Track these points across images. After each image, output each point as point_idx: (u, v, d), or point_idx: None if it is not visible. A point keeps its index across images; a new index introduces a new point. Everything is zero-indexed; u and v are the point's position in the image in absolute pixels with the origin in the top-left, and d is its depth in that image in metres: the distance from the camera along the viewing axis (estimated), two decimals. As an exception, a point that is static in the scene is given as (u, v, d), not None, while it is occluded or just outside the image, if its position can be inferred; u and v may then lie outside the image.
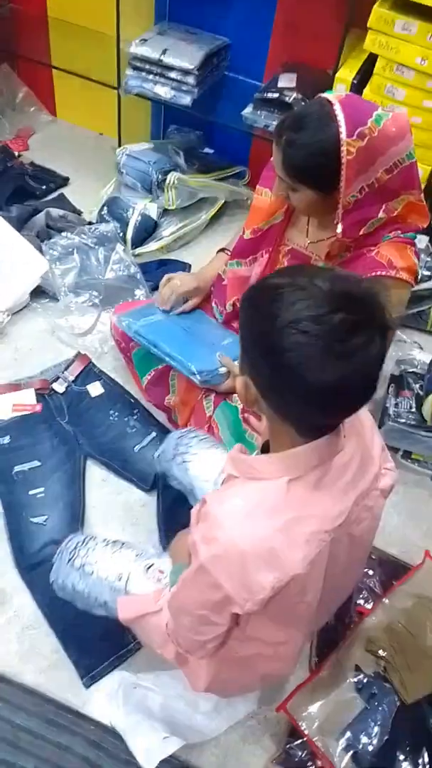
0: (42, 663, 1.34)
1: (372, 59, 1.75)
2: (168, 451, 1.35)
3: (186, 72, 2.02)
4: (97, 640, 1.35)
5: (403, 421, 1.68)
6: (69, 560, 1.17)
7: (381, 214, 1.24)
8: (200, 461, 1.30)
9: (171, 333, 1.56)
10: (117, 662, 1.34)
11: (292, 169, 1.19)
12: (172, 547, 1.27)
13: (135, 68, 2.09)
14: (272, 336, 0.74)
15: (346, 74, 1.80)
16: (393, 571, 1.51)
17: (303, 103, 1.85)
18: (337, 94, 1.16)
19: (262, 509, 0.83)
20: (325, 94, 1.17)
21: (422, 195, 1.29)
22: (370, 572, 1.49)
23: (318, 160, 1.16)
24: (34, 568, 1.44)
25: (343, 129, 1.12)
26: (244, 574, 0.82)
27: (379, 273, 1.27)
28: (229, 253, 1.60)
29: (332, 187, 1.19)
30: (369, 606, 1.44)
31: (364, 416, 0.97)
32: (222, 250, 1.65)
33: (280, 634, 0.94)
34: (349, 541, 0.93)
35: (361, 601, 1.45)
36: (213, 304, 1.70)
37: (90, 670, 1.33)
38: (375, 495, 0.96)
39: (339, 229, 1.23)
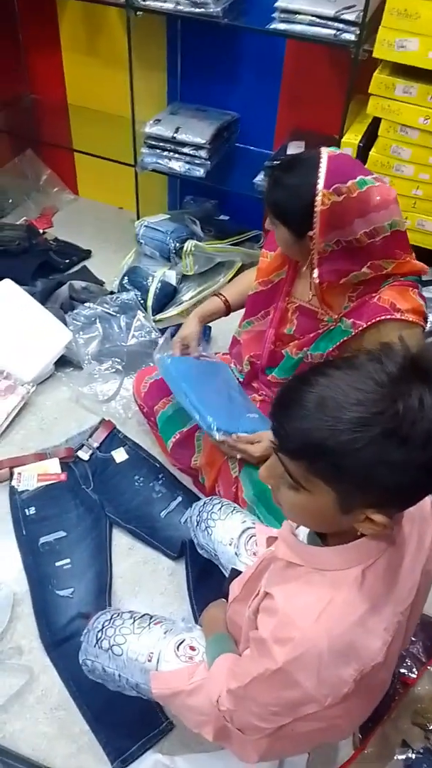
0: (71, 746, 1.28)
1: (376, 122, 1.81)
2: (193, 519, 1.37)
3: (198, 147, 2.11)
4: (128, 721, 1.29)
5: None
6: (97, 642, 1.12)
7: (365, 269, 1.26)
8: (222, 526, 1.30)
9: (200, 385, 1.55)
10: (149, 744, 1.28)
11: (272, 204, 1.27)
12: (203, 619, 1.22)
13: (150, 146, 2.20)
14: (415, 458, 0.67)
15: (351, 138, 1.86)
16: (436, 635, 1.43)
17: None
18: (335, 150, 1.22)
19: (336, 604, 0.78)
20: (325, 148, 1.22)
21: (413, 256, 1.30)
22: (413, 638, 1.41)
23: (293, 202, 1.22)
24: (60, 644, 1.41)
25: (321, 179, 1.17)
26: (323, 672, 0.78)
27: (383, 317, 1.26)
28: (223, 299, 1.66)
29: (303, 231, 1.23)
30: (414, 675, 1.36)
31: None
32: (217, 295, 1.70)
33: (349, 709, 0.88)
34: (415, 606, 0.90)
35: (405, 671, 1.36)
36: (232, 365, 1.71)
37: (121, 753, 1.26)
38: (430, 555, 0.93)
39: (315, 273, 1.26)
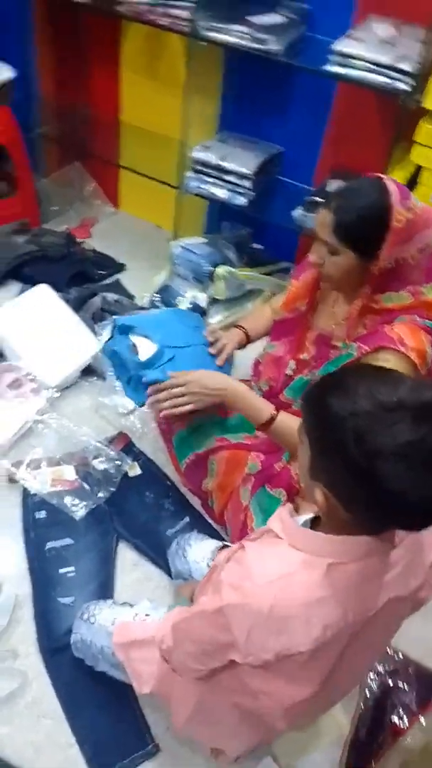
0: (56, 757, 1.28)
1: (419, 169, 1.84)
2: (171, 550, 1.51)
3: (243, 176, 2.15)
4: (115, 738, 1.30)
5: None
6: (81, 615, 1.32)
7: (404, 292, 1.30)
8: (197, 548, 1.44)
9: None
10: (133, 765, 1.28)
11: (342, 230, 1.24)
12: (179, 588, 1.39)
13: (196, 171, 2.24)
14: (366, 463, 0.73)
15: (393, 183, 1.89)
16: None
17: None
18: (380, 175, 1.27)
19: (295, 579, 0.83)
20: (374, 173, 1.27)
21: None
22: (406, 687, 1.40)
23: (368, 223, 1.23)
24: (56, 652, 1.41)
25: (395, 198, 1.21)
26: (255, 631, 0.84)
27: (385, 345, 1.28)
28: (244, 330, 1.67)
29: (372, 253, 1.25)
30: (404, 725, 1.34)
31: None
32: (237, 326, 1.71)
33: (270, 685, 0.91)
34: (365, 637, 0.91)
35: (396, 719, 1.35)
36: (252, 383, 1.73)
37: (104, 771, 1.26)
38: (407, 605, 0.94)
39: (367, 289, 1.29)
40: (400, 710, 1.37)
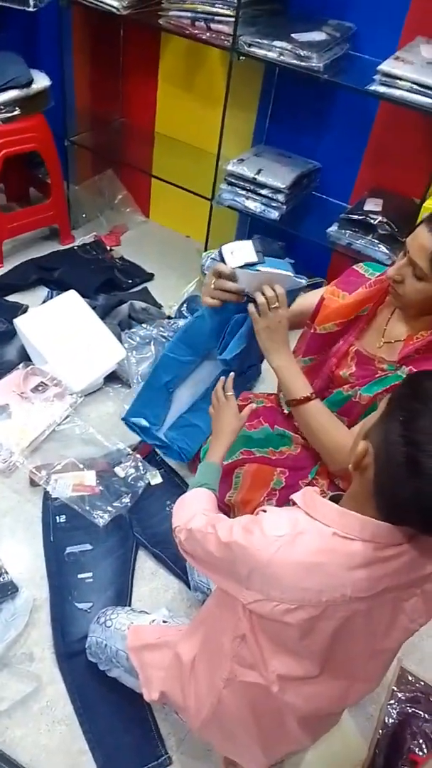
0: (68, 763, 1.27)
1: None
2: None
3: (277, 190, 2.16)
4: (127, 748, 1.28)
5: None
6: (97, 618, 1.35)
7: None
8: None
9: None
10: (145, 777, 1.26)
11: None
12: (217, 421, 1.37)
13: (230, 183, 2.25)
14: (424, 438, 0.76)
15: (432, 204, 1.88)
16: (452, 718, 1.38)
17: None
18: None
19: (298, 541, 0.87)
20: None
21: None
22: (427, 716, 1.37)
23: None
24: (71, 657, 1.41)
25: None
26: (254, 574, 0.89)
27: None
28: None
29: None
30: (423, 754, 1.31)
31: None
32: None
33: (279, 665, 0.93)
34: (366, 626, 0.91)
35: (416, 749, 1.32)
36: (281, 395, 1.71)
37: (116, 781, 1.25)
38: (414, 600, 0.93)
39: None
40: (420, 739, 1.34)
